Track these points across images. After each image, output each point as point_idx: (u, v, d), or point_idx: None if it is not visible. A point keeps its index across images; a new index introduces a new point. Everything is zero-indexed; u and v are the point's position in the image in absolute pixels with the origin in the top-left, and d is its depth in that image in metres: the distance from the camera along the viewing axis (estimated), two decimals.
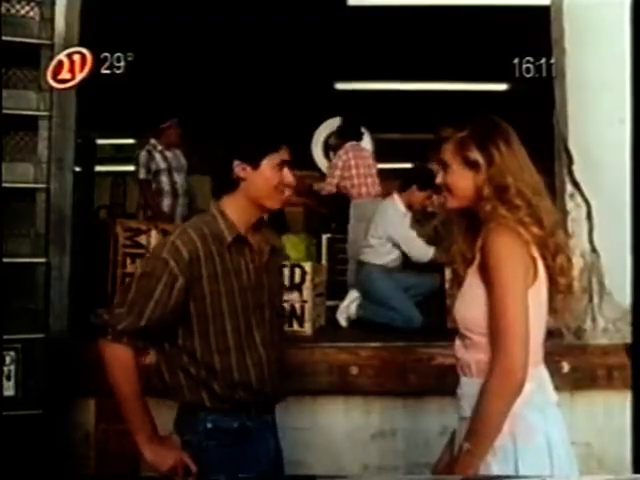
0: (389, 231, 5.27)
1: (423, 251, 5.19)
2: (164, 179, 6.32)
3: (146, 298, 2.28)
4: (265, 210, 2.45)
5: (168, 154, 6.34)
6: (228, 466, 2.37)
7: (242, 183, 2.38)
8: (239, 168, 2.37)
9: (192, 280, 2.30)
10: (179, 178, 6.39)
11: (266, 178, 2.38)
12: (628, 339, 3.50)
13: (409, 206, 5.33)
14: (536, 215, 2.02)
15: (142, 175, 6.35)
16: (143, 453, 2.32)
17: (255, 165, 2.38)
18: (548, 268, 2.04)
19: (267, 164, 2.39)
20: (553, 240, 2.04)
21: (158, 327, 2.32)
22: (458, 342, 2.11)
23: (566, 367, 3.54)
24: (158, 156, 6.32)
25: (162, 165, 6.32)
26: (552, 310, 2.09)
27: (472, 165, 2.06)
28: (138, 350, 2.35)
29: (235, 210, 2.39)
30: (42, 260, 3.63)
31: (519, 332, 1.92)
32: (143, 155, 6.35)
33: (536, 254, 2.01)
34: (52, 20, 3.70)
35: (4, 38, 3.45)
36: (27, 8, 3.69)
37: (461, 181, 2.09)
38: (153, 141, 6.38)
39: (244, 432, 2.39)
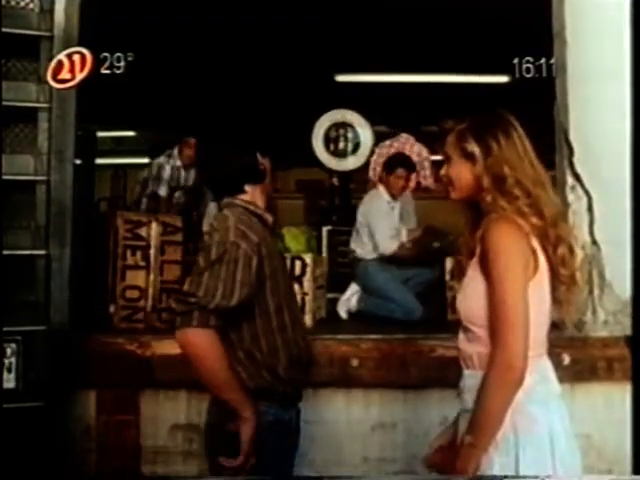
0: (369, 218, 5.36)
1: (386, 244, 5.27)
2: (163, 189, 6.34)
3: (230, 281, 2.29)
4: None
5: (183, 172, 6.37)
6: (282, 458, 2.45)
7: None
8: (263, 159, 2.51)
9: (261, 260, 2.35)
10: (180, 193, 6.43)
11: (270, 165, 2.55)
12: (628, 331, 3.49)
13: (392, 194, 5.44)
14: (536, 206, 2.02)
15: (146, 174, 6.39)
16: (249, 429, 2.28)
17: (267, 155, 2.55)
18: (549, 259, 2.04)
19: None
20: (554, 231, 2.04)
21: (242, 308, 2.33)
22: (461, 334, 2.11)
23: (567, 359, 3.54)
24: (169, 170, 6.34)
25: (169, 180, 6.34)
26: (555, 302, 2.09)
27: (469, 157, 2.07)
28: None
29: (257, 199, 2.51)
30: (42, 252, 3.64)
31: (518, 324, 1.92)
32: (156, 164, 6.38)
33: (536, 245, 2.01)
34: (52, 12, 3.70)
35: (4, 30, 3.44)
36: (27, 0, 3.68)
37: (460, 173, 2.10)
38: (175, 152, 6.37)
39: (292, 424, 2.48)
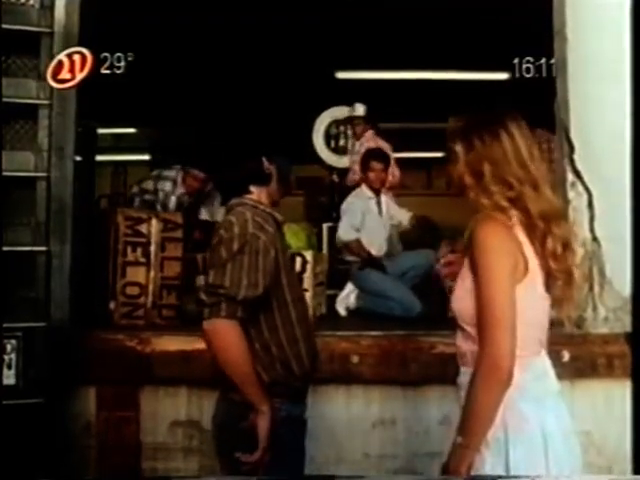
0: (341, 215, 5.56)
1: (343, 230, 5.46)
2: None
3: (253, 271, 2.36)
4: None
5: (186, 198, 6.37)
6: (295, 454, 2.50)
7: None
8: (268, 163, 2.59)
9: (277, 252, 2.44)
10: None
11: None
12: (628, 328, 3.50)
13: (374, 189, 5.56)
14: (520, 202, 2.00)
15: (149, 186, 6.40)
16: (266, 423, 2.31)
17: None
18: (538, 254, 2.02)
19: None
20: (542, 224, 2.01)
21: (262, 300, 2.39)
22: (458, 332, 2.11)
23: (567, 356, 3.54)
24: (175, 200, 6.35)
25: (174, 210, 6.35)
26: (553, 300, 2.07)
27: (454, 155, 2.09)
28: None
29: (263, 199, 2.58)
30: (43, 249, 3.64)
31: (504, 322, 1.91)
32: (162, 192, 6.35)
33: (523, 238, 2.00)
34: (52, 8, 3.70)
35: (4, 26, 3.44)
36: None
37: (451, 171, 2.12)
38: (179, 181, 6.37)
39: (301, 419, 2.53)
